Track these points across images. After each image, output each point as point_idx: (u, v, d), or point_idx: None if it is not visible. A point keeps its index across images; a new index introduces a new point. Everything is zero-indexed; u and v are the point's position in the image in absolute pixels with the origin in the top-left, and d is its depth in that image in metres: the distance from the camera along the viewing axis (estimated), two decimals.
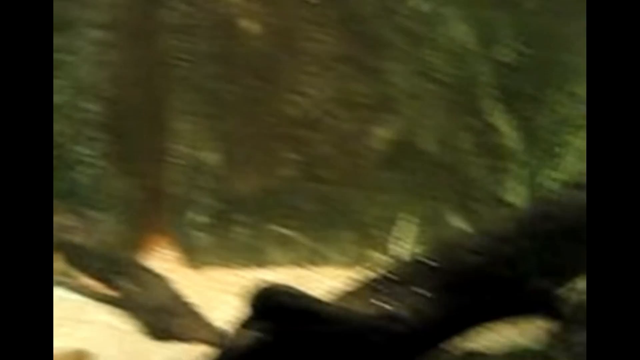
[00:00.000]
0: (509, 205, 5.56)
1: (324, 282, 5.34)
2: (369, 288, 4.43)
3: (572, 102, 6.50)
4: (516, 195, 6.07)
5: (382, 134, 6.22)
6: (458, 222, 6.01)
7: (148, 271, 5.88)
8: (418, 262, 4.53)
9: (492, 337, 4.93)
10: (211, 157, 6.45)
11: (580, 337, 4.41)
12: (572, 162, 6.43)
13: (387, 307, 4.31)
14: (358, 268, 5.47)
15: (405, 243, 6.07)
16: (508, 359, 4.79)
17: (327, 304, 4.28)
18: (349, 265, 6.09)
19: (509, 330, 5.00)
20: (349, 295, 4.45)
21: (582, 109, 6.47)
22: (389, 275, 4.46)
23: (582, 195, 4.62)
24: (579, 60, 6.51)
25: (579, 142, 6.50)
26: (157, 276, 5.83)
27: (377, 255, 6.09)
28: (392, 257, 5.61)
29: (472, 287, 4.44)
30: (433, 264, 4.45)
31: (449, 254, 4.52)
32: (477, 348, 4.85)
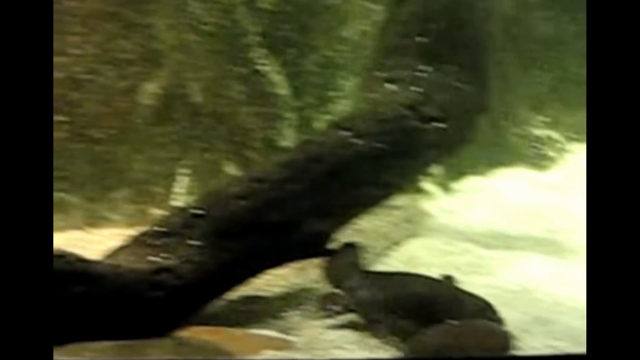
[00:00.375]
0: (282, 150, 5.60)
1: (104, 243, 5.24)
2: (141, 243, 4.39)
3: (339, 45, 6.63)
4: (288, 140, 6.15)
5: (151, 89, 6.12)
6: (234, 171, 6.02)
7: None
8: (186, 212, 4.53)
9: (269, 280, 5.02)
10: None
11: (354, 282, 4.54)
12: (342, 104, 6.57)
13: (161, 260, 4.28)
14: (138, 226, 5.40)
15: (183, 196, 6.03)
16: (286, 300, 4.89)
17: (99, 264, 4.20)
18: (129, 224, 5.99)
19: (286, 271, 5.11)
20: (122, 252, 4.39)
21: (344, 50, 6.62)
22: (159, 228, 4.43)
23: (346, 135, 4.79)
24: (348, 7, 6.65)
25: (347, 84, 6.65)
26: None
27: (157, 212, 6.02)
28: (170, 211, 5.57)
29: (244, 233, 4.48)
30: (200, 212, 4.45)
31: (217, 201, 4.53)
32: (256, 292, 4.92)
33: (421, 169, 5.41)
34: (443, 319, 4.12)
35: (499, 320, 4.33)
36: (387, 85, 5.11)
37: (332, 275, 4.73)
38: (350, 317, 4.57)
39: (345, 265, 4.71)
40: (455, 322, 4.13)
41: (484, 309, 4.35)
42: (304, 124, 6.42)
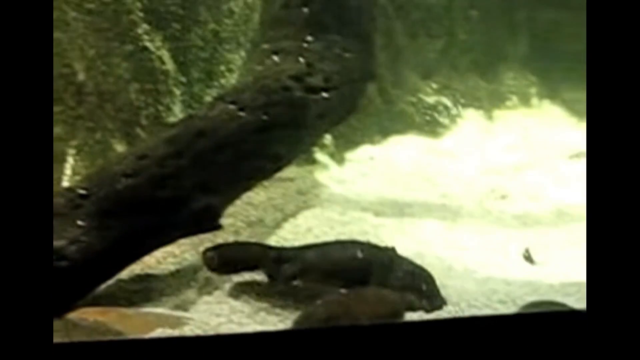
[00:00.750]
0: (170, 126, 5.53)
1: None
2: None
3: (226, 19, 6.57)
4: (177, 116, 6.08)
5: None
6: (123, 150, 5.93)
7: None
8: (71, 192, 4.44)
9: (161, 258, 4.97)
10: None
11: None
12: (232, 78, 6.53)
13: None
14: None
15: (72, 177, 5.92)
16: (179, 276, 4.85)
17: None
18: None
19: (179, 248, 5.07)
20: None
21: (230, 23, 6.57)
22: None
23: (231, 108, 4.76)
24: None
25: (235, 58, 6.60)
26: None
27: None
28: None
29: (131, 211, 4.41)
30: (85, 192, 4.37)
31: (101, 180, 4.45)
32: (148, 270, 4.88)
33: (310, 140, 5.41)
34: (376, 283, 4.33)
35: (432, 286, 4.51)
36: (273, 57, 5.08)
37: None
38: (244, 290, 4.58)
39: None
40: (344, 291, 4.18)
41: (415, 273, 4.53)
42: (193, 100, 6.35)
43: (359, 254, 4.57)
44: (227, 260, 4.68)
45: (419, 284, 4.53)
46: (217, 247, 4.73)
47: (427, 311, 4.41)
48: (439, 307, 4.48)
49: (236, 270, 4.72)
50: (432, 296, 4.55)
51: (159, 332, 4.01)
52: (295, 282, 4.54)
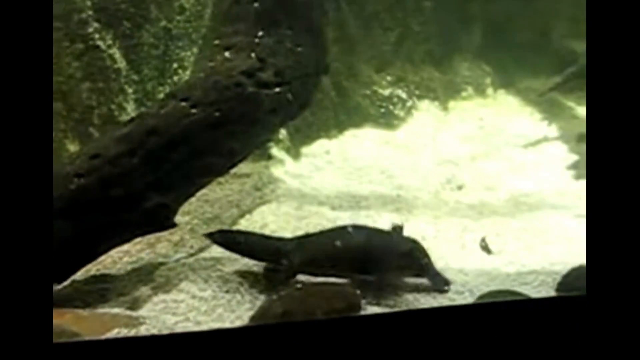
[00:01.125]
0: (123, 124, 5.49)
1: None
2: None
3: (178, 16, 6.54)
4: (131, 114, 6.03)
5: None
6: (76, 149, 5.88)
7: None
8: None
9: (117, 257, 4.94)
10: None
11: None
12: (185, 75, 6.49)
13: None
14: None
15: None
16: (135, 276, 4.82)
17: None
18: None
19: (135, 247, 5.05)
20: None
21: (182, 20, 6.54)
22: None
23: (183, 105, 4.73)
24: None
25: (188, 55, 6.56)
26: None
27: None
28: None
29: (84, 211, 4.38)
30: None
31: (54, 180, 4.38)
32: (104, 271, 4.85)
33: (265, 135, 5.39)
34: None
35: (425, 260, 4.63)
36: (224, 53, 5.06)
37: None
38: (200, 288, 4.57)
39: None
40: (299, 286, 4.18)
41: (412, 250, 4.63)
42: (146, 97, 6.32)
43: (360, 238, 4.66)
44: (229, 242, 4.81)
45: (423, 263, 4.64)
46: (223, 232, 4.92)
47: (436, 291, 4.57)
48: (444, 286, 4.61)
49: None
50: (436, 275, 4.66)
51: (115, 333, 3.98)
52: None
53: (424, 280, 4.64)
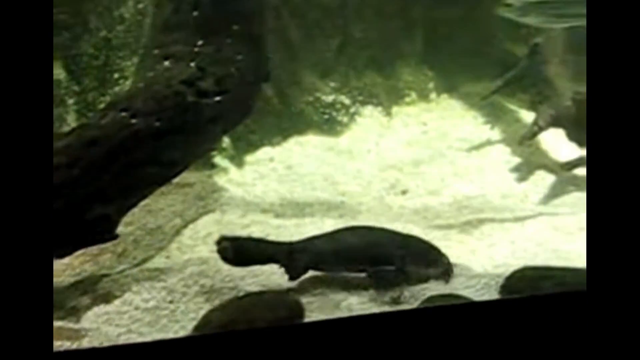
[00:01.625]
0: (63, 135, 5.45)
1: None
2: None
3: (117, 25, 6.50)
4: (69, 125, 5.98)
5: None
6: None
7: None
8: None
9: (59, 270, 4.90)
10: None
11: None
12: (125, 85, 6.46)
13: None
14: None
15: None
16: (78, 288, 4.78)
17: None
18: None
19: (78, 259, 5.01)
20: None
21: (122, 29, 6.50)
22: None
23: (123, 116, 4.70)
24: None
25: (129, 64, 6.53)
26: None
27: None
28: None
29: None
30: None
31: None
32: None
33: (206, 144, 5.37)
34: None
35: (445, 262, 4.77)
36: (164, 62, 5.04)
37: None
38: (143, 299, 4.56)
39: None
40: (242, 295, 4.17)
41: (428, 251, 4.78)
42: (87, 108, 6.27)
43: (369, 238, 4.75)
44: (241, 252, 4.68)
45: (434, 260, 4.77)
46: (231, 239, 4.73)
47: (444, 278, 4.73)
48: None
49: (249, 263, 4.73)
50: (448, 270, 4.77)
51: (57, 346, 3.95)
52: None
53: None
